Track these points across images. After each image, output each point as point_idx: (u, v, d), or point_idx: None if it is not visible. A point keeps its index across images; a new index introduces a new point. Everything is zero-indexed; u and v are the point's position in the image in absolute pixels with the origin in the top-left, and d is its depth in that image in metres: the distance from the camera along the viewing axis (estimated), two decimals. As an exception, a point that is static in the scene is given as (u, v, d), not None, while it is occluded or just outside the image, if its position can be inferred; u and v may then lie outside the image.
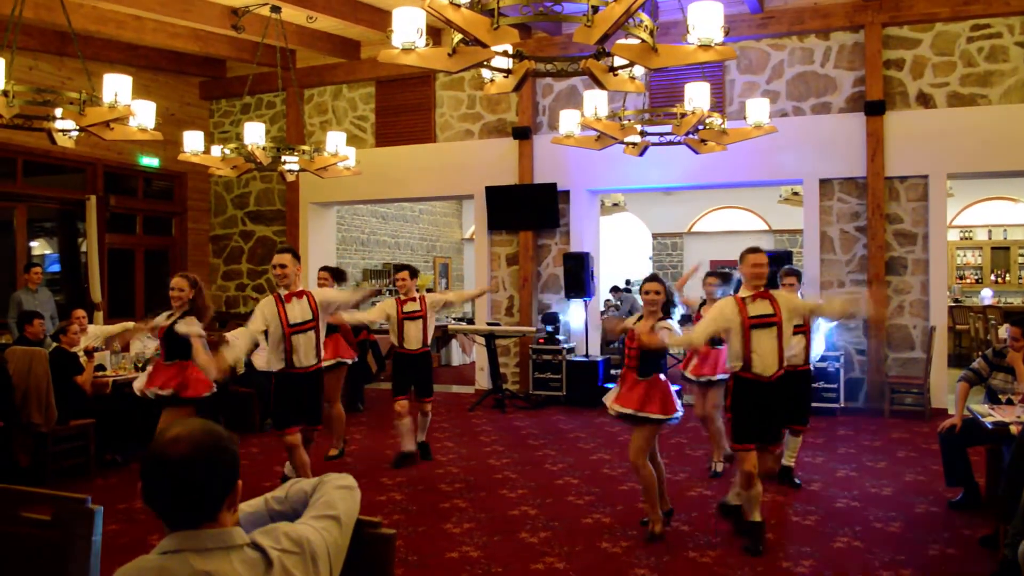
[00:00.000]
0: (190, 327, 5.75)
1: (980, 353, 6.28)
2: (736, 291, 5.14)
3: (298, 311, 5.74)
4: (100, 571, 2.47)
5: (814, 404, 9.14)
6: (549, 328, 10.59)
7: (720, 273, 6.97)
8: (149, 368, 6.30)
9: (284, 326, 5.67)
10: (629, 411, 5.03)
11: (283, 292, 5.75)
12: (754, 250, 5.04)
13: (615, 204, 15.93)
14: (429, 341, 7.23)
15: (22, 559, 2.57)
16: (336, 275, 7.96)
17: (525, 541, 5.13)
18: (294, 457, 5.82)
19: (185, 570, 1.68)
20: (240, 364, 5.86)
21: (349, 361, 7.64)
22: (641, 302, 5.29)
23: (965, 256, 15.99)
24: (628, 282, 16.03)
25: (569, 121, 7.25)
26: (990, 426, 4.99)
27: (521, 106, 11.05)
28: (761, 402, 4.91)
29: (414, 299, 7.16)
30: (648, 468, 5.06)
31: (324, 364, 7.03)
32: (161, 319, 5.98)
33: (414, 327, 7.14)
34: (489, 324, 10.83)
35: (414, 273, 7.30)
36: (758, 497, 4.93)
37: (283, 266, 5.73)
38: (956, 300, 14.61)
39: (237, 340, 6.07)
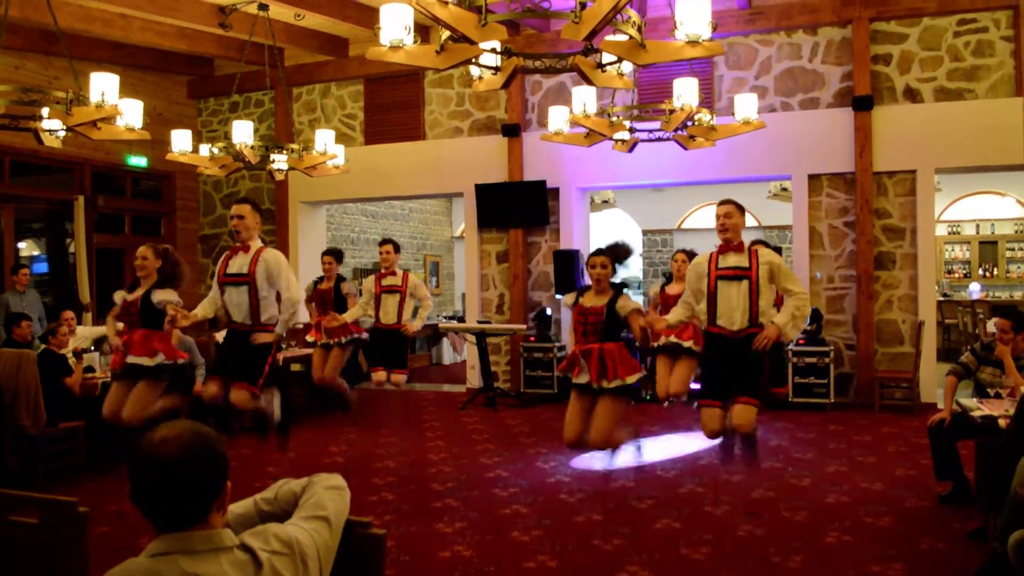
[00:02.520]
0: (167, 296, 5.80)
1: (968, 347, 6.32)
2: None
3: (237, 264, 5.74)
4: (90, 574, 2.46)
5: (805, 400, 9.25)
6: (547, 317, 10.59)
7: (690, 252, 7.02)
8: (114, 344, 6.36)
9: (219, 275, 5.76)
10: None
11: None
12: (722, 202, 5.07)
13: (605, 201, 15.93)
14: (404, 319, 7.26)
15: (12, 562, 2.55)
16: (338, 257, 8.07)
17: (517, 540, 5.13)
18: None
19: (174, 572, 1.68)
20: (213, 313, 5.95)
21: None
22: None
23: (953, 251, 16.06)
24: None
25: (558, 118, 7.25)
26: (979, 420, 5.01)
27: (510, 103, 11.04)
28: (727, 357, 4.88)
29: (395, 274, 7.22)
30: None
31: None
32: (123, 294, 6.05)
33: (391, 300, 7.17)
34: (480, 322, 10.82)
35: (397, 247, 7.35)
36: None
37: (240, 216, 5.71)
38: (944, 295, 14.67)
39: (204, 300, 6.09)
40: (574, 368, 5.44)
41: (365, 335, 7.77)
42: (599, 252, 5.24)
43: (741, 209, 5.27)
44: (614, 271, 5.26)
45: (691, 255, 6.87)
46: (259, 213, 5.86)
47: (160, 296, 5.89)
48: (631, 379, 5.29)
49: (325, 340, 7.66)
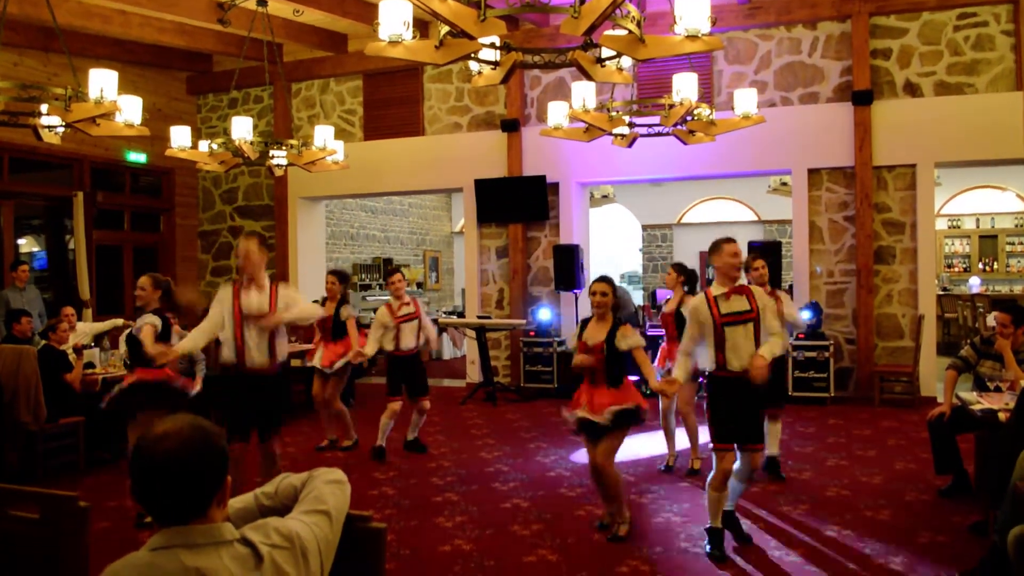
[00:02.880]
0: (142, 320, 5.49)
1: (968, 341, 6.32)
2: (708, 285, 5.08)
3: (256, 302, 5.37)
4: (90, 568, 2.47)
5: (805, 394, 9.27)
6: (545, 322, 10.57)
7: (678, 266, 6.90)
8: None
9: (236, 313, 5.33)
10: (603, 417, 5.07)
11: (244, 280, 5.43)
12: (729, 240, 4.90)
13: (604, 196, 15.92)
14: (420, 343, 7.33)
15: (12, 557, 2.56)
16: (342, 278, 7.91)
17: (517, 534, 5.14)
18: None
19: (175, 566, 1.68)
20: (204, 344, 5.63)
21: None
22: (632, 296, 5.31)
23: (953, 245, 16.05)
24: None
25: (557, 113, 7.24)
26: (979, 413, 5.02)
27: (509, 98, 11.03)
28: (739, 400, 4.77)
29: (407, 303, 7.23)
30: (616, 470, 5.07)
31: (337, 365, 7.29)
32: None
33: (409, 329, 7.21)
34: (480, 317, 10.83)
35: (404, 276, 7.38)
36: (722, 502, 4.77)
37: (248, 254, 5.39)
38: (944, 289, 14.68)
39: (194, 332, 5.58)
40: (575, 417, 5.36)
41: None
42: (600, 280, 5.19)
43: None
44: (615, 298, 5.20)
45: (680, 269, 6.80)
46: (265, 248, 5.55)
47: (138, 323, 5.55)
48: (614, 409, 5.15)
49: (322, 368, 7.66)
